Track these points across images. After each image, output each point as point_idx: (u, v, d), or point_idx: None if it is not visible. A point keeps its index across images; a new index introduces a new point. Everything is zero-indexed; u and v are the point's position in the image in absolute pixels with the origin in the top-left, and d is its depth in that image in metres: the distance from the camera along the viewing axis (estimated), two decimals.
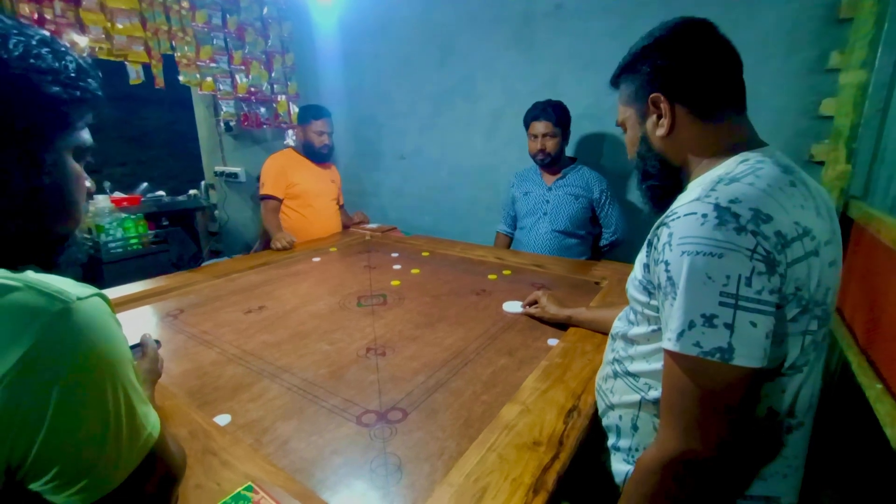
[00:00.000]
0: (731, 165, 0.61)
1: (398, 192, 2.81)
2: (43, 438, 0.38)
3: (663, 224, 0.58)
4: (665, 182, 0.71)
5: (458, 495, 0.60)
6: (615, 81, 0.75)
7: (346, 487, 0.65)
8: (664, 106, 0.66)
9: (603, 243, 1.92)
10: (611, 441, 0.76)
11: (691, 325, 0.52)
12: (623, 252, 1.91)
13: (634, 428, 0.70)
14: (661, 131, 0.67)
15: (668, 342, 0.54)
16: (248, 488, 0.60)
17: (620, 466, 0.73)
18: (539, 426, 0.74)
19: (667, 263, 0.55)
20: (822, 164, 1.47)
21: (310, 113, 2.13)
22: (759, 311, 0.50)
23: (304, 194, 2.16)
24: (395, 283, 1.51)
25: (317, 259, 1.81)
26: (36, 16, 1.87)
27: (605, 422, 0.77)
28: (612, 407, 0.74)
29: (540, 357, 0.98)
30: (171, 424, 0.74)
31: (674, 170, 0.70)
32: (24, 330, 0.37)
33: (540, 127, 1.78)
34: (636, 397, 0.69)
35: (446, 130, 2.48)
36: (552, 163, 1.84)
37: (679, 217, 0.55)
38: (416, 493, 0.64)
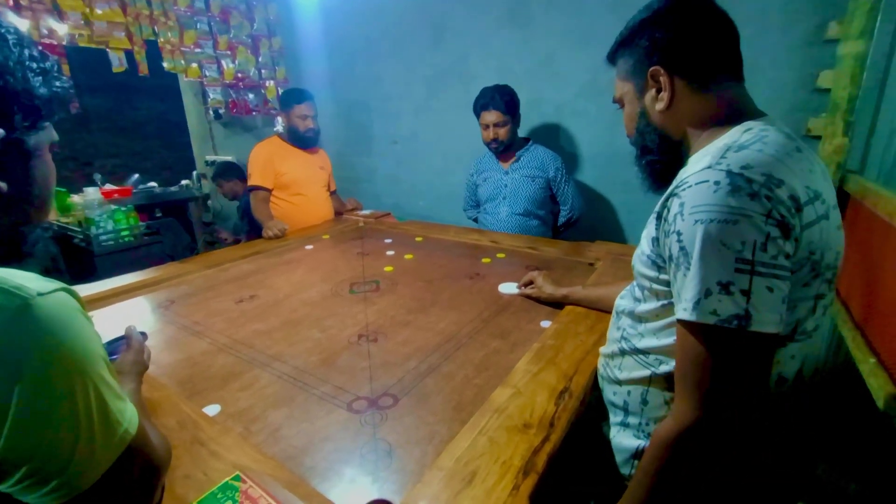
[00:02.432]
0: (735, 135, 0.60)
1: (392, 178, 2.78)
2: (6, 440, 0.37)
3: (673, 194, 0.57)
4: (664, 157, 0.70)
5: (447, 479, 0.60)
6: (612, 57, 0.73)
7: (337, 474, 0.65)
8: (664, 79, 0.65)
9: (560, 222, 1.93)
10: (617, 418, 0.75)
11: (707, 293, 0.51)
12: (583, 231, 1.92)
13: (644, 403, 0.70)
14: (660, 105, 0.66)
15: (684, 312, 0.53)
16: (236, 478, 0.60)
17: (629, 442, 0.72)
18: (530, 408, 0.73)
19: (679, 234, 0.54)
20: (819, 138, 1.44)
21: (291, 97, 2.08)
22: (775, 275, 0.50)
23: (294, 183, 2.13)
24: (388, 269, 1.49)
25: (309, 247, 1.80)
26: (10, 2, 1.81)
27: (611, 399, 0.77)
28: (619, 383, 0.74)
29: (533, 339, 0.97)
30: (160, 415, 0.74)
31: (673, 144, 0.69)
32: None
33: (490, 116, 1.79)
34: (646, 373, 0.68)
35: (441, 113, 2.44)
36: (506, 149, 1.86)
37: (690, 186, 0.54)
38: (407, 478, 0.63)
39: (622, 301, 0.77)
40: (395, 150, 2.70)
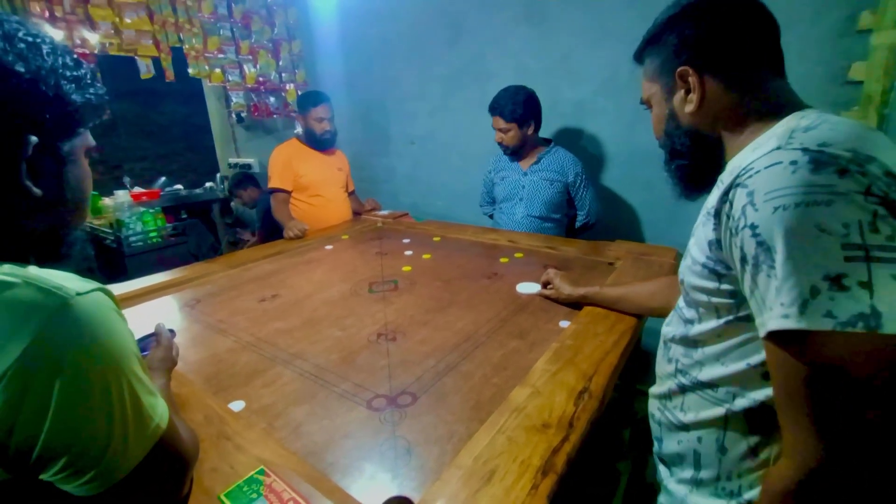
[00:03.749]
0: (791, 122, 0.53)
1: (409, 178, 2.80)
2: (48, 431, 0.39)
3: (736, 185, 0.48)
4: (696, 160, 0.65)
5: (466, 477, 0.60)
6: (639, 56, 0.69)
7: (357, 470, 0.66)
8: (693, 79, 0.60)
9: (577, 226, 1.92)
10: (685, 473, 0.63)
11: (814, 291, 0.40)
12: (601, 232, 1.90)
13: (722, 451, 0.58)
14: (690, 107, 0.62)
15: (785, 320, 0.41)
16: (261, 472, 0.62)
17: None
18: (549, 408, 0.73)
19: (753, 227, 0.45)
20: None
21: (308, 100, 2.12)
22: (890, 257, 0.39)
23: (312, 185, 2.16)
24: (406, 268, 1.51)
25: (329, 247, 1.83)
26: (47, 13, 1.90)
27: (672, 450, 0.65)
28: (685, 428, 0.62)
29: (551, 339, 0.97)
30: (188, 410, 0.77)
31: (708, 146, 0.63)
32: (23, 326, 0.38)
33: (495, 122, 1.80)
34: (720, 411, 0.57)
35: (457, 112, 2.44)
36: (514, 153, 1.85)
37: (758, 171, 0.46)
38: (425, 475, 0.64)
39: (669, 328, 0.68)
40: (413, 150, 2.72)
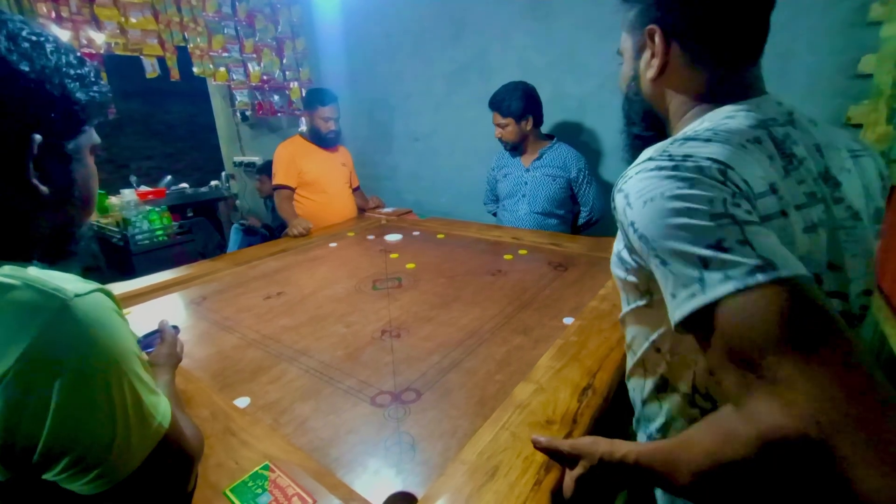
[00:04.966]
0: (707, 122, 0.52)
1: (413, 175, 2.80)
2: (49, 432, 0.39)
3: (618, 191, 0.50)
4: (647, 133, 0.63)
5: (470, 472, 0.60)
6: None
7: (361, 465, 0.66)
8: (659, 42, 0.55)
9: (580, 222, 1.92)
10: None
11: (704, 262, 0.39)
12: (605, 228, 1.89)
13: None
14: (650, 72, 0.58)
15: (694, 299, 0.39)
16: (266, 467, 0.62)
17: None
18: (553, 404, 0.73)
19: (633, 224, 0.46)
20: (860, 126, 1.37)
21: (316, 99, 2.12)
22: (758, 224, 0.41)
23: (316, 181, 2.17)
24: (410, 265, 1.51)
25: (333, 244, 1.83)
26: (53, 14, 1.91)
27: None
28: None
29: (555, 336, 0.97)
30: (194, 406, 0.77)
31: (657, 121, 0.61)
32: (22, 328, 0.38)
33: (494, 117, 1.81)
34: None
35: (461, 109, 2.43)
36: (514, 148, 1.86)
37: (631, 178, 0.48)
38: (430, 470, 0.64)
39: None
40: (416, 147, 2.71)
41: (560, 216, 1.87)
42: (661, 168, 0.45)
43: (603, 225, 1.91)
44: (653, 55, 0.57)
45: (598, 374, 0.81)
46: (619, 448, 0.47)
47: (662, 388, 0.59)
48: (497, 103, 1.77)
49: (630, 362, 0.63)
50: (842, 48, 1.42)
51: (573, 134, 2.07)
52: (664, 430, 0.60)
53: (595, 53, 1.92)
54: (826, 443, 0.32)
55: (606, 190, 1.97)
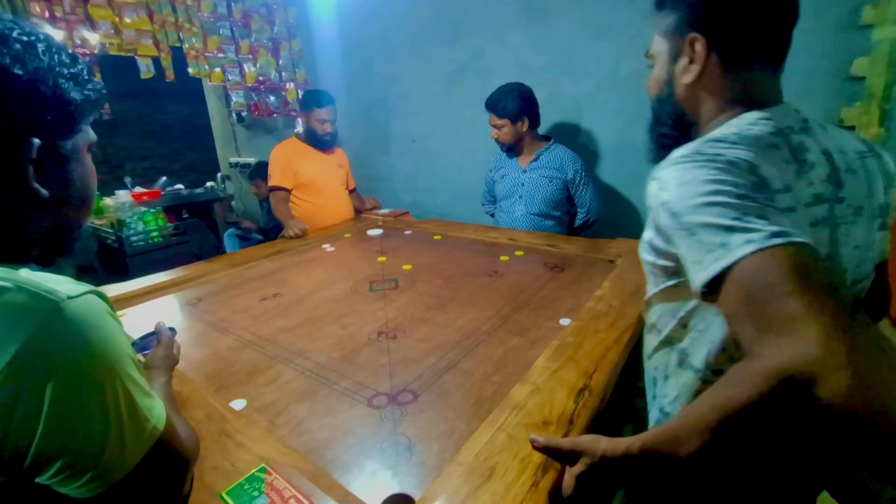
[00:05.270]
0: (733, 126, 0.57)
1: (410, 176, 2.80)
2: (41, 435, 0.39)
3: (652, 178, 0.56)
4: (676, 133, 0.67)
5: (467, 473, 0.60)
6: (660, 2, 0.65)
7: (358, 467, 0.66)
8: (700, 51, 0.59)
9: (577, 224, 1.92)
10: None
11: (730, 230, 0.45)
12: (602, 229, 1.90)
13: None
14: (688, 77, 0.62)
15: (719, 262, 0.45)
16: (262, 469, 0.62)
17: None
18: (549, 405, 0.73)
19: (666, 203, 0.52)
20: (852, 128, 1.38)
21: (312, 100, 2.11)
22: (776, 209, 0.47)
23: (312, 183, 2.16)
24: (406, 266, 1.51)
25: (330, 247, 1.83)
26: (47, 14, 1.90)
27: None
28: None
29: (552, 336, 0.97)
30: (190, 408, 0.77)
31: (685, 123, 0.66)
32: (14, 330, 0.38)
33: (490, 118, 1.83)
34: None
35: (458, 110, 2.43)
36: (510, 149, 1.87)
37: (666, 168, 0.54)
38: (426, 472, 0.64)
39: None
40: (413, 148, 2.71)
41: (557, 217, 1.87)
42: (695, 161, 0.51)
43: (599, 226, 1.92)
44: (691, 61, 0.61)
45: (595, 374, 0.82)
46: (620, 443, 0.49)
47: (682, 363, 0.65)
48: (493, 104, 1.78)
49: (654, 342, 0.69)
50: (834, 51, 1.43)
51: (570, 135, 2.07)
52: (676, 404, 0.66)
53: (592, 54, 1.92)
54: (827, 371, 0.38)
55: (603, 191, 1.98)
